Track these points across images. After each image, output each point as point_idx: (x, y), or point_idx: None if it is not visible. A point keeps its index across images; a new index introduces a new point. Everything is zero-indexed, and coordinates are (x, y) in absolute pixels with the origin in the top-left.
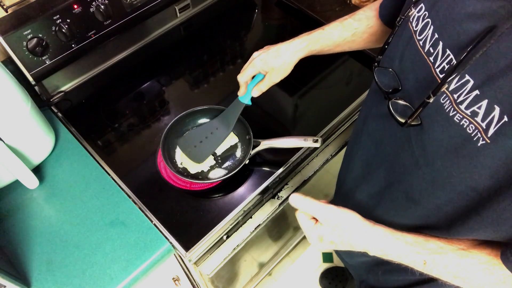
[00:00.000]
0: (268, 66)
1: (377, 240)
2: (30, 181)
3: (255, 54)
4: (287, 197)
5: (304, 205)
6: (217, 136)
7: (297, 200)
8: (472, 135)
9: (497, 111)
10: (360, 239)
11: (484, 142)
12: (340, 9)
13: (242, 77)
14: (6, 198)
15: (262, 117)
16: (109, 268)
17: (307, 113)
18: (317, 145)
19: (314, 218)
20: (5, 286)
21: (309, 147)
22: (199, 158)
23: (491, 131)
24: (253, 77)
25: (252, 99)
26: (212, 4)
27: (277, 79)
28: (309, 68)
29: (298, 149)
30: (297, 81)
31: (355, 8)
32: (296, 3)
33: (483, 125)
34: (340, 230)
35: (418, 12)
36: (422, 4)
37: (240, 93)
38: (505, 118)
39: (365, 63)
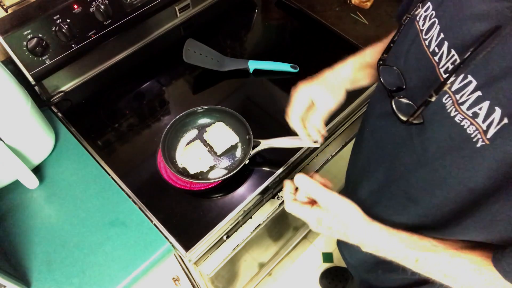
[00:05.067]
0: (323, 87)
1: (373, 235)
2: (30, 181)
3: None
4: None
5: (308, 187)
6: (211, 63)
7: (302, 181)
8: (472, 136)
9: (497, 112)
10: (356, 233)
11: (483, 143)
12: (340, 9)
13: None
14: (6, 198)
15: (262, 117)
16: (109, 268)
17: None
18: (317, 145)
19: (309, 202)
20: (5, 286)
21: (309, 147)
22: (187, 57)
23: (491, 132)
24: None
25: (255, 99)
26: (212, 4)
27: (333, 103)
28: (309, 68)
29: (298, 149)
30: (297, 81)
31: (355, 8)
32: (296, 3)
33: (484, 126)
34: (338, 220)
35: (425, 11)
36: (429, 3)
37: (315, 137)
38: (505, 120)
39: None
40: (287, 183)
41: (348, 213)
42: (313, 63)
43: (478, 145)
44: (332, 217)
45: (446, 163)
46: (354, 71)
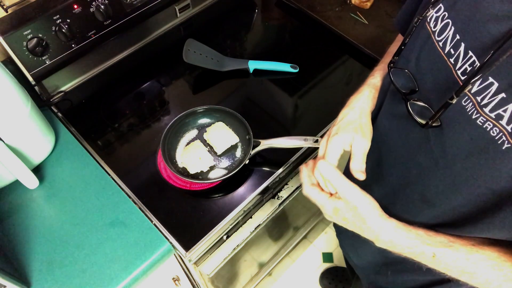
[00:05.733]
0: (352, 132)
1: (389, 231)
2: (30, 181)
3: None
4: (287, 197)
5: (331, 176)
6: (211, 63)
7: (326, 168)
8: (496, 138)
9: None
10: (371, 228)
11: (509, 145)
12: (340, 9)
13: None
14: (6, 198)
15: (262, 117)
16: (109, 268)
17: (307, 113)
18: (317, 145)
19: (327, 191)
20: (5, 286)
21: (309, 147)
22: (187, 58)
23: None
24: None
25: (255, 99)
26: (212, 4)
27: (367, 143)
28: (309, 68)
29: (298, 149)
30: (297, 81)
31: (355, 8)
32: (296, 3)
33: (509, 128)
34: (355, 213)
35: (436, 12)
36: (441, 4)
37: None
38: None
39: (365, 63)
40: (303, 168)
41: (367, 207)
42: (313, 63)
43: (504, 147)
44: (349, 209)
45: (468, 165)
46: (373, 99)
